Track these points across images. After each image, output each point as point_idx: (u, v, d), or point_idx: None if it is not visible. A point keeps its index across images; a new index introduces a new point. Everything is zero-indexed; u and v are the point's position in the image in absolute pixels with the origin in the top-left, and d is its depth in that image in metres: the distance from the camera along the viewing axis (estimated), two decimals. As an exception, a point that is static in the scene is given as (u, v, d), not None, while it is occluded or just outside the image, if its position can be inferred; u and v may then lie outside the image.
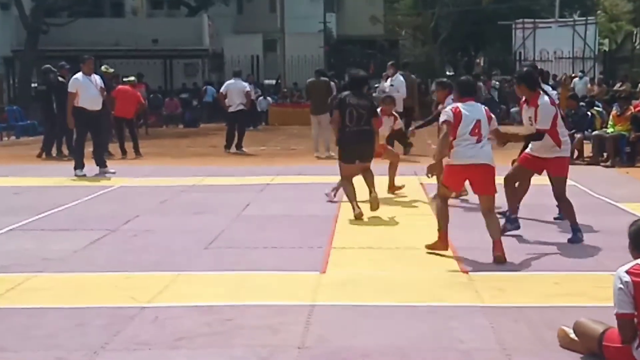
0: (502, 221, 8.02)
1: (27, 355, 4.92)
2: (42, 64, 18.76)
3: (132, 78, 18.51)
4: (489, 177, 7.26)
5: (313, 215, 9.68)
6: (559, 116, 7.96)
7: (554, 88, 9.29)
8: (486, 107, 7.56)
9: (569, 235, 8.25)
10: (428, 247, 7.53)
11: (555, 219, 9.20)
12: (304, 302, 5.94)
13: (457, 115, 7.23)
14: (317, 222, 9.25)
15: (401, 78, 16.82)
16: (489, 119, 7.36)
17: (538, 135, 7.89)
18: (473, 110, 7.30)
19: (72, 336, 5.24)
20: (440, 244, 7.45)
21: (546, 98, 7.84)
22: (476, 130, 7.20)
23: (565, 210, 8.27)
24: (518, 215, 8.62)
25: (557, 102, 8.41)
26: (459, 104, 7.37)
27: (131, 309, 5.81)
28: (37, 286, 6.54)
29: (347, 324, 5.43)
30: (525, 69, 8.44)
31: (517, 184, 8.52)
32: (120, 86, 17.74)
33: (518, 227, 8.40)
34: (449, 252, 7.58)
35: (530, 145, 8.32)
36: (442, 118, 7.44)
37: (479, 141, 7.21)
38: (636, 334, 4.43)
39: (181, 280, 6.66)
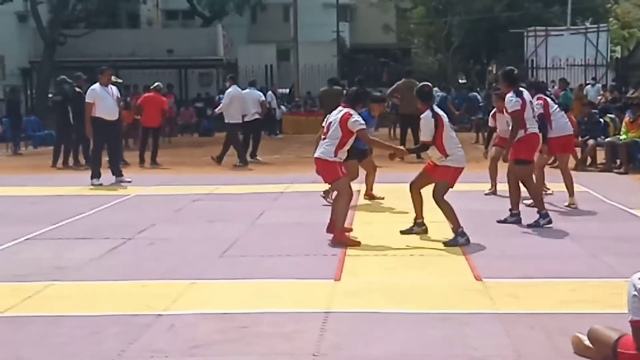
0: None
1: (43, 363, 4.96)
2: (60, 75, 18.89)
3: (158, 84, 18.45)
4: (319, 169, 8.72)
5: (327, 223, 9.69)
6: (445, 128, 8.46)
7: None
8: (348, 112, 8.49)
9: (582, 243, 8.26)
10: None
11: (528, 225, 9.24)
12: (319, 309, 5.95)
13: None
14: (331, 230, 9.27)
15: (229, 90, 17.63)
16: (343, 122, 8.43)
17: (423, 147, 8.68)
18: (335, 114, 8.65)
19: (88, 344, 5.27)
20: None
21: (430, 113, 8.45)
22: (325, 131, 8.61)
23: (444, 212, 8.57)
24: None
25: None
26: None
27: (147, 316, 5.84)
28: (54, 294, 6.58)
29: (362, 332, 5.44)
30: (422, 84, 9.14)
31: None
32: (145, 94, 17.74)
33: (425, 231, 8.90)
34: (462, 259, 7.61)
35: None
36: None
37: (324, 139, 8.59)
38: (651, 341, 4.43)
39: (196, 288, 6.69)
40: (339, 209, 8.54)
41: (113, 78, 14.61)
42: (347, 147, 8.61)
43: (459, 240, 8.25)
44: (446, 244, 8.29)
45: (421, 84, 9.09)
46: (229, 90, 17.60)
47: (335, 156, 8.48)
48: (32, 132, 23.94)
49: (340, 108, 8.69)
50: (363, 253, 7.96)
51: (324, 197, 11.08)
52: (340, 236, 8.41)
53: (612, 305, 5.76)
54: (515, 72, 9.54)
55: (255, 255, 7.98)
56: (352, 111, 8.54)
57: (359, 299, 6.29)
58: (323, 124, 8.98)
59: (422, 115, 8.53)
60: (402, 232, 8.90)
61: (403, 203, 11.08)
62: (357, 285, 6.70)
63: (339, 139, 8.45)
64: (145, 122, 17.72)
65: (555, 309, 5.91)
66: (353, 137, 8.59)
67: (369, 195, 11.62)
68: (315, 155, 8.70)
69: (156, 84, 18.32)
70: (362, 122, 8.58)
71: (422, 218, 8.92)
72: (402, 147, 10.05)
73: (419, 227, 8.91)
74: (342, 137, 8.44)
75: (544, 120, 10.85)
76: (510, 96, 9.24)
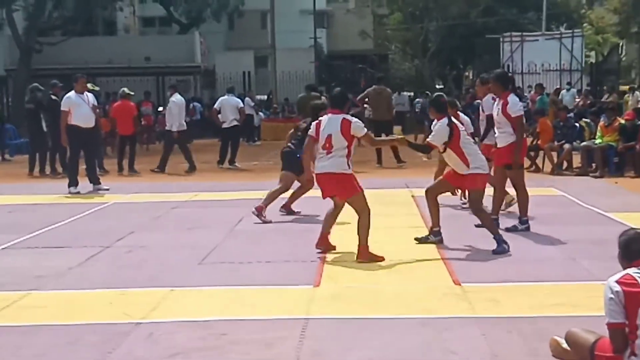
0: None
1: (21, 374, 4.93)
2: (33, 83, 18.78)
3: (123, 89, 18.33)
4: (335, 184, 8.12)
5: (306, 229, 9.70)
6: (461, 137, 8.42)
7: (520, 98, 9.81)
8: (346, 118, 8.09)
9: (560, 247, 8.33)
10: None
11: (506, 229, 9.21)
12: (298, 316, 5.96)
13: (317, 127, 8.26)
14: (310, 236, 9.23)
15: (173, 99, 17.75)
16: (346, 131, 8.00)
17: (426, 147, 8.74)
18: (329, 124, 8.09)
19: (66, 354, 5.25)
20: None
21: (446, 121, 8.40)
22: (326, 145, 8.04)
23: (483, 221, 8.54)
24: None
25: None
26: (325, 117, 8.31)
27: (125, 325, 5.82)
28: (31, 304, 6.54)
29: (341, 338, 5.45)
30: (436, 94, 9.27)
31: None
32: (115, 104, 17.72)
33: (441, 240, 8.65)
34: (441, 264, 7.63)
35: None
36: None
37: (328, 153, 8.04)
38: (627, 343, 4.46)
39: (175, 296, 6.68)
40: (363, 226, 8.01)
41: (90, 86, 14.53)
42: (352, 154, 8.27)
43: (505, 247, 8.15)
44: (495, 251, 8.12)
45: (435, 94, 9.07)
46: (173, 99, 17.72)
47: (349, 168, 8.10)
48: (8, 141, 23.80)
49: (330, 116, 8.18)
50: (342, 259, 7.97)
51: (283, 210, 10.81)
52: (365, 253, 7.97)
53: (589, 308, 5.80)
54: (509, 74, 9.53)
55: (234, 262, 7.97)
56: (347, 116, 8.17)
57: (339, 305, 6.30)
58: (310, 133, 8.37)
59: (438, 122, 8.42)
60: (417, 240, 8.72)
61: (383, 209, 11.13)
62: (336, 291, 6.71)
63: (346, 147, 8.03)
64: (120, 131, 17.68)
65: (533, 312, 5.96)
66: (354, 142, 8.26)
67: (287, 208, 10.84)
68: (328, 170, 8.05)
69: (121, 90, 18.19)
70: (363, 124, 8.30)
71: (439, 227, 8.66)
72: (402, 137, 9.67)
73: (435, 237, 8.65)
74: (348, 144, 8.04)
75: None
76: (514, 100, 9.22)
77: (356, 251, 8.04)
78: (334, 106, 8.33)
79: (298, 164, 9.88)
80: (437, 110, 8.59)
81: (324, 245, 8.31)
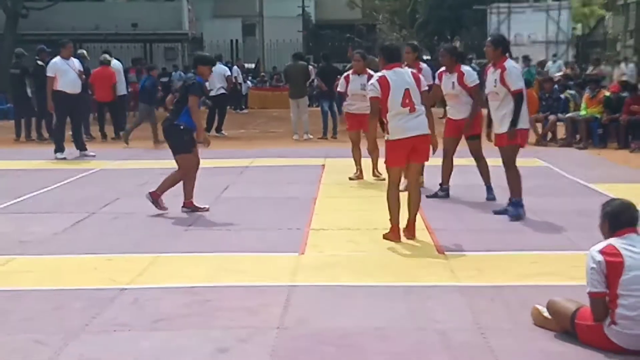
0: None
1: (5, 339, 4.93)
2: (18, 48, 18.65)
3: (106, 57, 18.21)
4: (427, 147, 7.33)
5: (292, 197, 9.73)
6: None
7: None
8: (414, 71, 7.38)
9: (543, 217, 8.37)
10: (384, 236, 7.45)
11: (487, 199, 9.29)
12: (283, 283, 5.99)
13: (383, 85, 7.09)
14: (295, 204, 9.30)
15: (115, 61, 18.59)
16: (418, 85, 7.19)
17: (521, 98, 7.95)
18: (402, 79, 7.15)
19: (51, 319, 5.27)
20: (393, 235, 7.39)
21: (511, 61, 8.14)
22: (407, 101, 7.07)
23: (510, 179, 8.38)
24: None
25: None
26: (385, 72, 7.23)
27: (110, 290, 5.84)
28: (17, 269, 6.55)
29: (326, 305, 5.48)
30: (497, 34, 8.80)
31: None
32: (94, 70, 17.62)
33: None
34: (425, 233, 7.67)
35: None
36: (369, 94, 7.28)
37: (412, 111, 7.10)
38: (608, 312, 4.52)
39: (161, 262, 6.69)
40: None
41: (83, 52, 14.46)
42: None
43: (520, 211, 8.26)
44: (511, 214, 8.23)
45: (496, 34, 8.47)
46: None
47: None
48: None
49: (397, 70, 7.20)
50: (327, 227, 7.99)
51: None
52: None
53: (571, 277, 5.85)
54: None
55: (220, 230, 7.99)
56: (412, 69, 7.50)
57: (324, 272, 6.33)
58: (370, 94, 7.21)
59: (507, 65, 7.94)
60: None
61: (367, 176, 11.15)
62: (321, 259, 6.74)
63: (423, 104, 7.25)
64: (97, 97, 17.58)
65: (515, 281, 6.01)
66: None
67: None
68: (425, 132, 7.19)
69: (103, 56, 18.06)
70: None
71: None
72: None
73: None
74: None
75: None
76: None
77: (343, 218, 8.09)
78: (395, 60, 7.30)
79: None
80: (504, 51, 8.08)
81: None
